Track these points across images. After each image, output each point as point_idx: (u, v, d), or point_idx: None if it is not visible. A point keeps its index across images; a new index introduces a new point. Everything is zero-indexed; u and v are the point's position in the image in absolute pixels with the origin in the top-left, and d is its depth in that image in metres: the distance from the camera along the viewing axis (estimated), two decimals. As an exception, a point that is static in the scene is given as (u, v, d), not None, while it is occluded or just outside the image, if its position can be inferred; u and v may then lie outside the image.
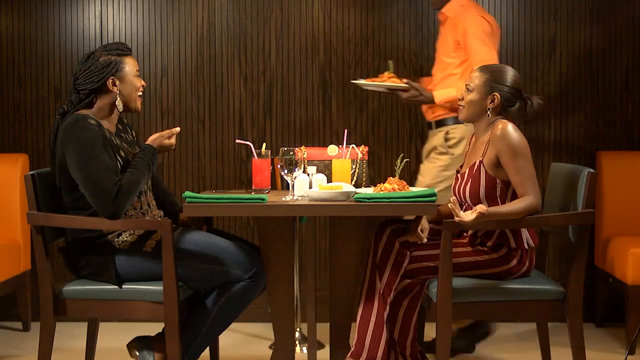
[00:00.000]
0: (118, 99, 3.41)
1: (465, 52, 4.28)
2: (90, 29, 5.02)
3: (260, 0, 5.00)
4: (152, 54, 5.02)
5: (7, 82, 5.05)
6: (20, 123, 5.06)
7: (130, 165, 3.34)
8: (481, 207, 3.18)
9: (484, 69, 3.48)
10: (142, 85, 3.48)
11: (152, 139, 3.45)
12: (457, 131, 4.33)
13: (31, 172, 3.36)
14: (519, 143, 3.34)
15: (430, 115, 4.45)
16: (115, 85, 3.40)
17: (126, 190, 3.26)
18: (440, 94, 4.28)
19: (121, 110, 3.43)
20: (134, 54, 4.99)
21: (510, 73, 3.45)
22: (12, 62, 5.05)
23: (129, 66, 3.43)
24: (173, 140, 3.49)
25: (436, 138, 4.41)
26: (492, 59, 4.19)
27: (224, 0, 5.00)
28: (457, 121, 4.29)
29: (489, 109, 3.44)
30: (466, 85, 3.48)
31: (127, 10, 5.02)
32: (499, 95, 3.42)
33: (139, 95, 3.47)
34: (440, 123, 4.39)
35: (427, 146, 4.50)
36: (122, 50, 3.44)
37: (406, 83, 4.26)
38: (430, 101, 4.29)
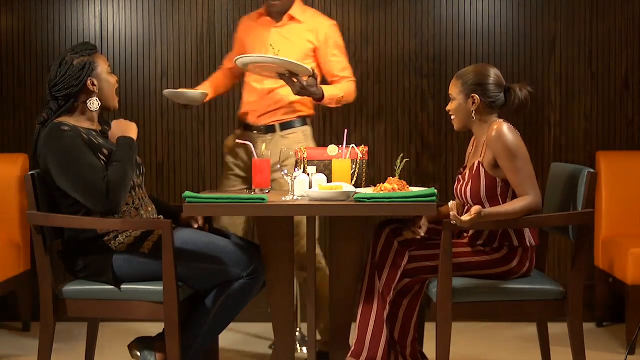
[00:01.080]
0: (94, 98, 3.41)
1: (319, 58, 4.15)
2: (90, 29, 5.02)
3: (261, 0, 5.00)
4: (152, 54, 5.02)
5: (7, 82, 5.05)
6: (20, 123, 5.06)
7: (112, 159, 3.34)
8: (477, 208, 3.18)
9: (459, 74, 3.49)
10: (117, 81, 3.49)
11: (122, 129, 3.45)
12: (309, 131, 4.24)
13: (31, 172, 3.36)
14: (515, 144, 3.34)
15: (270, 118, 4.17)
16: (95, 85, 3.40)
17: (115, 183, 3.26)
18: (329, 91, 4.03)
19: (94, 109, 3.42)
20: (134, 54, 5.00)
21: (484, 71, 3.46)
22: (12, 62, 5.05)
23: (102, 64, 3.43)
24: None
25: (287, 142, 4.12)
26: (349, 67, 4.19)
27: (224, 0, 5.00)
28: (304, 122, 4.20)
29: (472, 111, 3.45)
30: (449, 95, 3.50)
31: (127, 10, 5.02)
32: (477, 96, 3.43)
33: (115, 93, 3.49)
34: (288, 125, 4.18)
35: (274, 151, 4.07)
36: (91, 49, 3.43)
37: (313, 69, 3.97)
38: (320, 97, 3.98)
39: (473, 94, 3.43)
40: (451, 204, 3.20)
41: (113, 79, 3.47)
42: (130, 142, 3.40)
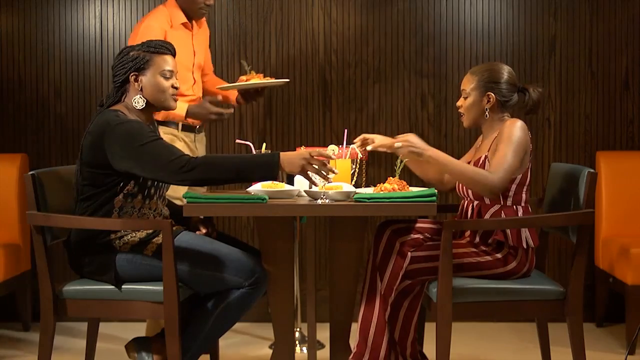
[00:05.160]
0: (138, 95, 3.39)
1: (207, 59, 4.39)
2: (90, 29, 5.02)
3: (260, 0, 5.00)
4: (152, 54, 5.01)
5: (7, 82, 5.05)
6: (20, 123, 5.06)
7: (235, 169, 3.21)
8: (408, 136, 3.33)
9: (474, 71, 3.50)
10: (173, 86, 3.40)
11: (291, 159, 3.20)
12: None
13: (31, 172, 3.36)
14: (518, 136, 3.35)
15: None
16: (137, 82, 3.38)
17: (201, 167, 3.17)
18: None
19: (139, 107, 3.38)
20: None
21: (501, 69, 3.47)
22: (12, 62, 5.05)
23: (158, 65, 3.38)
24: (328, 166, 3.20)
25: (203, 141, 4.36)
26: None
27: (224, 0, 5.00)
28: None
29: (486, 109, 3.46)
30: (462, 91, 3.50)
31: (127, 10, 5.02)
32: (493, 95, 3.44)
33: (171, 95, 3.41)
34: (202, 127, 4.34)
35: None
36: (155, 47, 3.40)
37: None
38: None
39: (489, 92, 3.44)
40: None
41: (166, 83, 3.39)
42: (272, 161, 3.19)
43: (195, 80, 4.23)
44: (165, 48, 3.43)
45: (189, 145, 4.25)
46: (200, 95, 4.27)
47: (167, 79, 3.40)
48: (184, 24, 4.18)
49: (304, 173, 3.22)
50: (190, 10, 4.17)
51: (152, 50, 3.40)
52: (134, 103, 3.39)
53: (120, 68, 3.39)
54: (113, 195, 3.35)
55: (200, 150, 4.34)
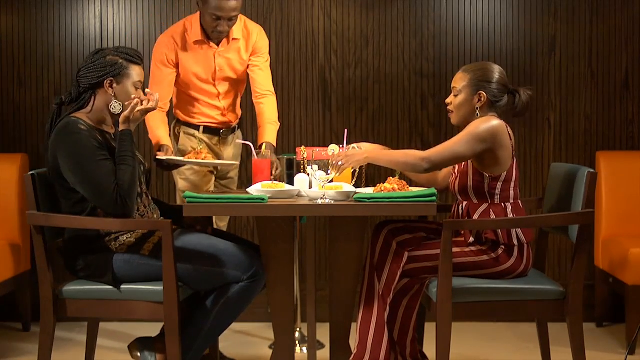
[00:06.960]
0: (113, 101, 3.39)
1: (248, 68, 4.25)
2: (90, 29, 5.02)
3: (260, 0, 5.00)
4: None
5: (7, 82, 5.05)
6: (20, 123, 5.06)
7: (118, 161, 3.30)
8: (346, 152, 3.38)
9: (466, 69, 3.49)
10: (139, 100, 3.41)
11: (122, 121, 3.36)
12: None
13: (31, 172, 3.36)
14: (476, 128, 3.35)
15: (233, 118, 4.32)
16: (112, 88, 3.38)
17: (126, 188, 3.26)
18: (272, 136, 4.19)
19: (116, 112, 3.38)
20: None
21: (493, 69, 3.47)
22: (12, 62, 5.05)
23: (132, 75, 3.39)
24: (145, 105, 3.37)
25: (235, 142, 4.36)
26: (271, 79, 4.30)
27: (224, 0, 4.99)
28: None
29: (477, 107, 3.45)
30: (452, 88, 3.49)
31: (127, 10, 5.02)
32: (485, 94, 3.44)
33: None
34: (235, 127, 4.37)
35: (232, 152, 4.38)
36: (132, 57, 3.40)
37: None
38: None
39: (480, 91, 3.43)
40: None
41: (135, 93, 3.39)
42: (127, 133, 3.36)
43: (219, 92, 4.21)
44: (138, 58, 3.44)
45: (212, 148, 4.25)
46: (230, 105, 4.26)
47: (136, 89, 3.42)
48: (198, 42, 4.10)
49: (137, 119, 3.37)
50: (207, 30, 4.11)
51: (128, 58, 3.40)
52: (111, 108, 3.38)
53: (95, 71, 3.37)
54: (93, 210, 3.35)
55: (226, 153, 4.30)
